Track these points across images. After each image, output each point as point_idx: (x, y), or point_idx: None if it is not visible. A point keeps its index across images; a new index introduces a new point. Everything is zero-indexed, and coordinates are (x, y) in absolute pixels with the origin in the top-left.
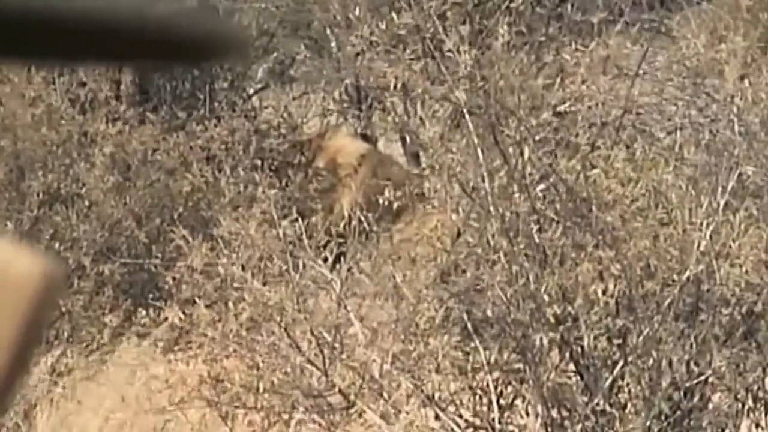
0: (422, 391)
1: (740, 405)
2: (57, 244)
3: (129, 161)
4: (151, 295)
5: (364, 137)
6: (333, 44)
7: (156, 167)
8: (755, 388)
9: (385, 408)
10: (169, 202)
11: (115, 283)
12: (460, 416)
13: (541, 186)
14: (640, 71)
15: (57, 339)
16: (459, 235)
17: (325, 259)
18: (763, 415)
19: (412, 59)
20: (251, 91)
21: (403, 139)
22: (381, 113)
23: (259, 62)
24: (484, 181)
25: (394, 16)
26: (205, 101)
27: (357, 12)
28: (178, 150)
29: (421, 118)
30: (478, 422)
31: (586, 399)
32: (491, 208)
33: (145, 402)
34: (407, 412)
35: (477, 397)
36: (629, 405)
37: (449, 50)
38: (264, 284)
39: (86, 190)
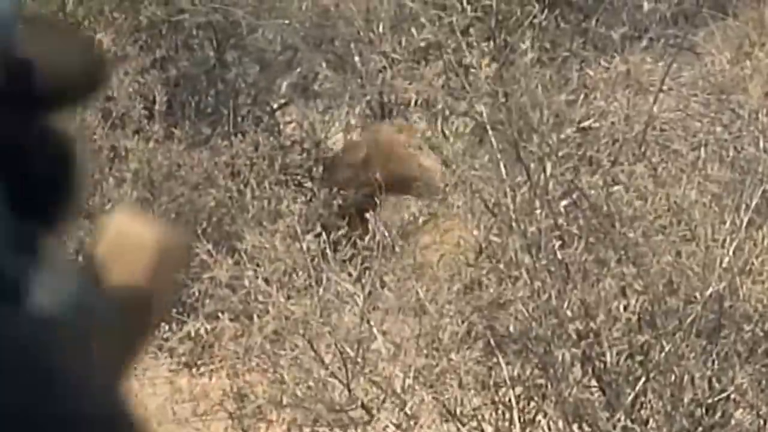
0: (444, 405)
1: (762, 422)
2: (81, 259)
3: (154, 177)
4: (174, 309)
5: None
6: (356, 59)
7: (180, 182)
8: None
9: (407, 423)
10: (193, 217)
11: None
12: (482, 431)
13: (564, 202)
14: (664, 87)
15: None
16: (481, 250)
17: (349, 274)
18: None
19: (434, 75)
20: (275, 106)
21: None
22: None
23: (282, 77)
24: (506, 197)
25: (415, 32)
26: (229, 116)
27: (380, 28)
28: (202, 165)
29: (443, 134)
30: None
31: (608, 415)
32: (513, 224)
33: (169, 414)
34: (429, 427)
35: (499, 412)
36: (651, 421)
37: (471, 66)
38: (288, 298)
39: (111, 206)
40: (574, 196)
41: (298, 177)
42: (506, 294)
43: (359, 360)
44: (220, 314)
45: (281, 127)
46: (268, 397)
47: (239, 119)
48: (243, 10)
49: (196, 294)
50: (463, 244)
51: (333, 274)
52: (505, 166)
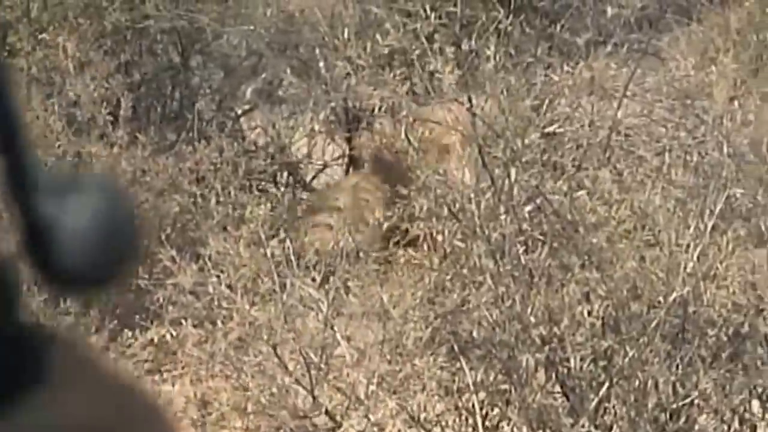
0: (408, 411)
1: (726, 427)
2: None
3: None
4: (137, 316)
5: (351, 158)
6: (321, 65)
7: (145, 188)
8: (741, 410)
9: (371, 429)
10: (157, 223)
11: (101, 303)
12: None
13: (528, 207)
14: (629, 92)
15: None
16: (446, 255)
17: (313, 279)
18: None
19: (398, 81)
20: (239, 111)
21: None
22: (369, 135)
23: (247, 83)
24: (470, 203)
25: (380, 38)
26: (193, 122)
27: (345, 34)
28: (166, 171)
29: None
30: None
31: (571, 420)
32: (478, 230)
33: None
34: None
35: (463, 418)
36: (615, 427)
37: (436, 71)
38: (252, 304)
39: None
40: (539, 201)
41: (263, 182)
42: (470, 299)
43: (323, 366)
44: (183, 320)
45: (246, 132)
46: (232, 404)
47: (204, 125)
48: (208, 16)
49: (160, 300)
50: (427, 250)
51: (297, 279)
52: (469, 172)
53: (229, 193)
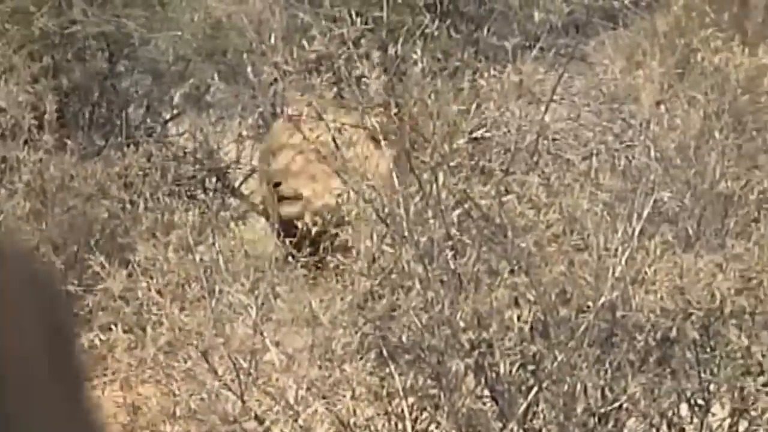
0: (337, 416)
1: (655, 431)
2: None
3: (46, 188)
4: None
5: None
6: (249, 71)
7: (73, 194)
8: (670, 414)
9: None
10: (85, 229)
11: None
12: None
13: (456, 212)
14: (556, 96)
15: None
16: (374, 260)
17: (242, 284)
18: None
19: (326, 86)
20: (167, 116)
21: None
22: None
23: (174, 88)
24: (399, 207)
25: (306, 43)
26: (121, 127)
27: (272, 39)
28: (95, 176)
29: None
30: None
31: (500, 425)
32: (406, 234)
33: None
34: None
35: (392, 423)
36: (544, 431)
37: (363, 76)
38: (181, 309)
39: (3, 217)
40: (467, 205)
41: (192, 188)
42: (399, 304)
43: (252, 371)
44: (113, 326)
45: (174, 138)
46: (161, 409)
47: (132, 130)
48: (135, 22)
49: (89, 306)
50: (355, 254)
51: (226, 285)
52: (397, 176)
53: (158, 198)
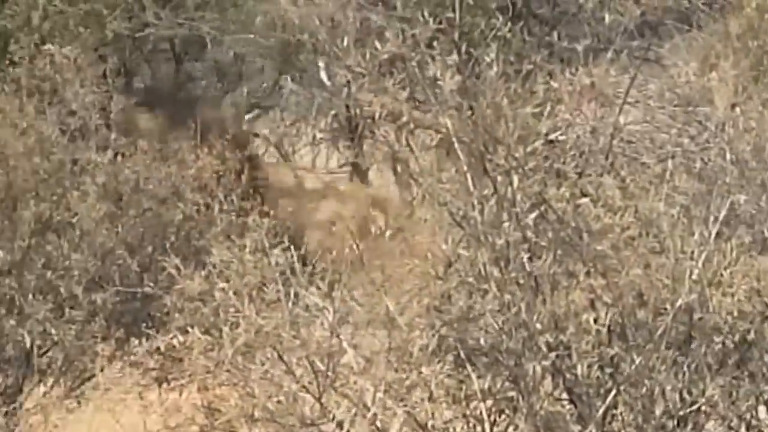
0: (415, 419)
1: None
2: (49, 273)
3: (121, 190)
4: (143, 324)
5: (355, 166)
6: (322, 74)
7: (147, 196)
8: (748, 416)
9: None
10: (160, 231)
11: (107, 311)
12: None
13: (532, 215)
14: (631, 99)
15: (50, 368)
16: (450, 264)
17: (318, 288)
18: None
19: (399, 88)
20: (240, 119)
21: (394, 169)
22: (371, 143)
23: (248, 91)
24: (474, 210)
25: (379, 45)
26: (195, 130)
27: (344, 42)
28: (169, 179)
29: (410, 147)
30: None
31: (579, 428)
32: (482, 237)
33: (140, 428)
34: None
35: (470, 425)
36: None
37: (436, 78)
38: (258, 312)
39: (78, 219)
40: (542, 208)
41: (267, 190)
42: (476, 307)
43: (330, 374)
44: (189, 328)
45: (249, 140)
46: (239, 411)
47: (205, 132)
48: (208, 25)
49: (166, 308)
50: (431, 258)
51: (302, 288)
52: (472, 180)
53: (232, 201)
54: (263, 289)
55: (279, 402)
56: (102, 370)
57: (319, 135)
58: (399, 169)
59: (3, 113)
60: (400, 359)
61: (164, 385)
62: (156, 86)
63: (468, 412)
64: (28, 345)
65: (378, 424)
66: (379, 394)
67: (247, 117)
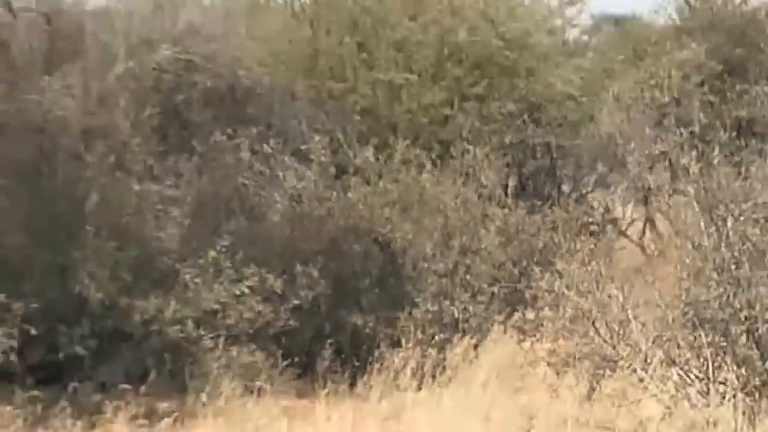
0: (669, 356)
1: None
2: (468, 276)
3: (509, 230)
4: (519, 305)
5: (648, 218)
6: (628, 162)
7: (525, 233)
8: None
9: (646, 367)
10: (530, 253)
11: (501, 297)
12: (689, 372)
13: (739, 244)
14: None
15: (467, 329)
16: (689, 273)
17: (612, 281)
18: None
19: (664, 170)
20: (584, 191)
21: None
22: (656, 204)
23: (588, 174)
24: (705, 240)
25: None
26: (557, 197)
27: (631, 144)
28: (535, 223)
29: (668, 205)
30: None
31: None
32: (708, 256)
33: (514, 360)
34: (656, 371)
35: (701, 362)
36: None
37: (686, 166)
38: (580, 295)
39: (485, 246)
40: (743, 239)
41: (594, 228)
42: (703, 296)
43: (621, 332)
44: (542, 308)
45: (589, 202)
46: (568, 353)
47: (564, 198)
48: (564, 136)
49: (533, 295)
50: (680, 268)
51: (604, 281)
52: (704, 223)
53: (572, 237)
54: (580, 285)
55: (592, 349)
56: (491, 330)
57: (625, 198)
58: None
59: (444, 187)
60: (662, 325)
61: (528, 339)
62: (535, 172)
63: (698, 354)
64: (456, 316)
65: (647, 360)
66: (649, 343)
67: (588, 190)
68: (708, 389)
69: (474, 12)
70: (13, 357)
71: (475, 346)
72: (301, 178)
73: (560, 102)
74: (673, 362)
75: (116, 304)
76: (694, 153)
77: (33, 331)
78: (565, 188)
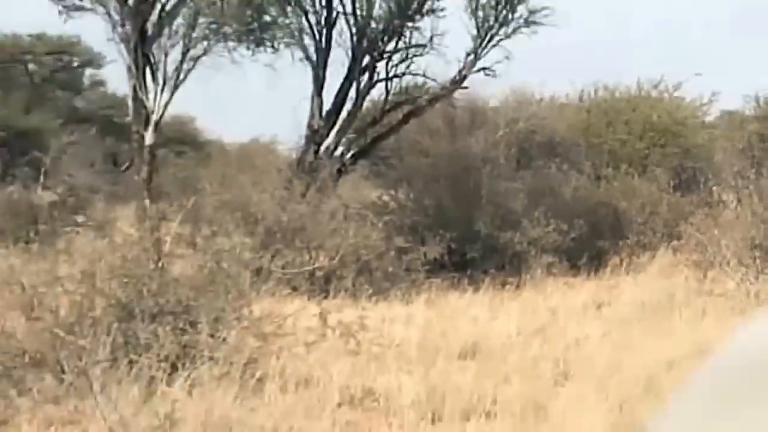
0: (741, 261)
1: None
2: (651, 225)
3: (672, 204)
4: (675, 238)
5: (739, 200)
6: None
7: (679, 206)
8: None
9: (729, 266)
10: (680, 214)
11: (667, 233)
12: (749, 267)
13: None
14: None
15: (647, 248)
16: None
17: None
18: None
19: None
20: (708, 187)
21: (739, 200)
22: None
23: (711, 180)
24: (758, 209)
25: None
26: (693, 190)
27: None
28: (686, 201)
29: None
30: (754, 270)
31: None
32: (758, 216)
33: (669, 264)
34: (732, 268)
35: (756, 262)
36: None
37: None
38: (701, 234)
39: (660, 211)
40: None
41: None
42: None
43: (718, 250)
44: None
45: (710, 192)
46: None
47: (697, 191)
48: (702, 164)
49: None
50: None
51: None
52: (756, 201)
53: (702, 207)
54: (703, 229)
55: (705, 257)
56: (659, 248)
57: (725, 190)
58: None
59: (639, 183)
60: (737, 247)
61: (677, 254)
62: (686, 178)
63: (754, 260)
64: (644, 241)
65: (729, 263)
66: (730, 255)
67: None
68: (758, 276)
69: (660, 106)
70: (445, 257)
71: (653, 256)
72: (578, 180)
73: (699, 147)
74: (741, 264)
75: (492, 235)
76: (753, 170)
77: (453, 246)
78: (700, 185)
